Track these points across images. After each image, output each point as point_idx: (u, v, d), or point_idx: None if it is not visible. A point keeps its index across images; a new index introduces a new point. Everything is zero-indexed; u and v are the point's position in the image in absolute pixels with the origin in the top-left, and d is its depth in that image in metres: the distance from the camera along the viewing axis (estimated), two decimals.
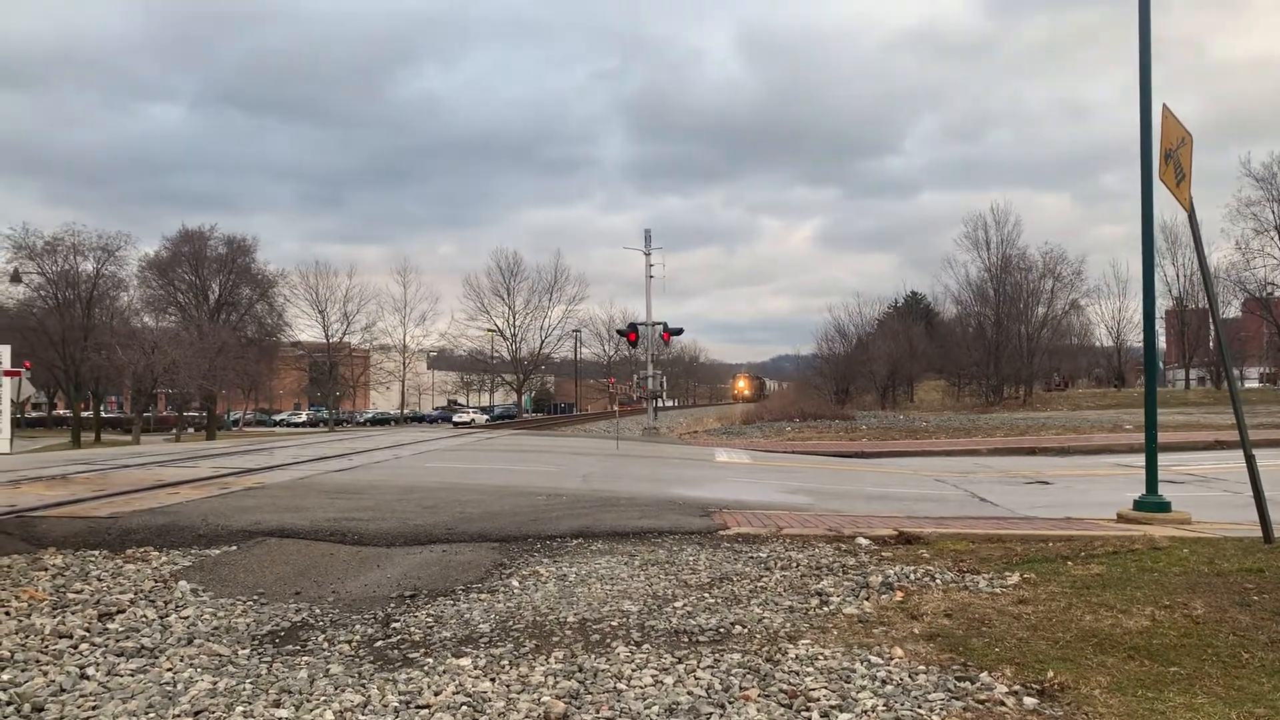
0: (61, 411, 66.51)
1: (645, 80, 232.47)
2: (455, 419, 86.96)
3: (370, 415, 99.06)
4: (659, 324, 34.80)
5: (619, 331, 48.06)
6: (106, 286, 57.59)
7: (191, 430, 63.48)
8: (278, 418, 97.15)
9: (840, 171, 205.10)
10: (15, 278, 57.00)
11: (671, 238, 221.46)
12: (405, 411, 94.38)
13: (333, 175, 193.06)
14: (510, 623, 5.92)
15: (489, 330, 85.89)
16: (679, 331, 35.80)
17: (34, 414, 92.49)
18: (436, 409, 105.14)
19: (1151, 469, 10.75)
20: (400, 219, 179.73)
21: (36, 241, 55.10)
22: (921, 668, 4.92)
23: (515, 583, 7.02)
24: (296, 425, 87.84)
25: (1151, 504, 10.51)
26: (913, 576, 6.97)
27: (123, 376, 48.65)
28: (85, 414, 64.55)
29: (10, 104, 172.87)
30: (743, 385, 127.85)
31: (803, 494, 13.87)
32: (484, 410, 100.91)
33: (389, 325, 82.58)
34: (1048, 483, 16.88)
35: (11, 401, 40.87)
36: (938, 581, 6.84)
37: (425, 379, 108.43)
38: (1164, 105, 8.55)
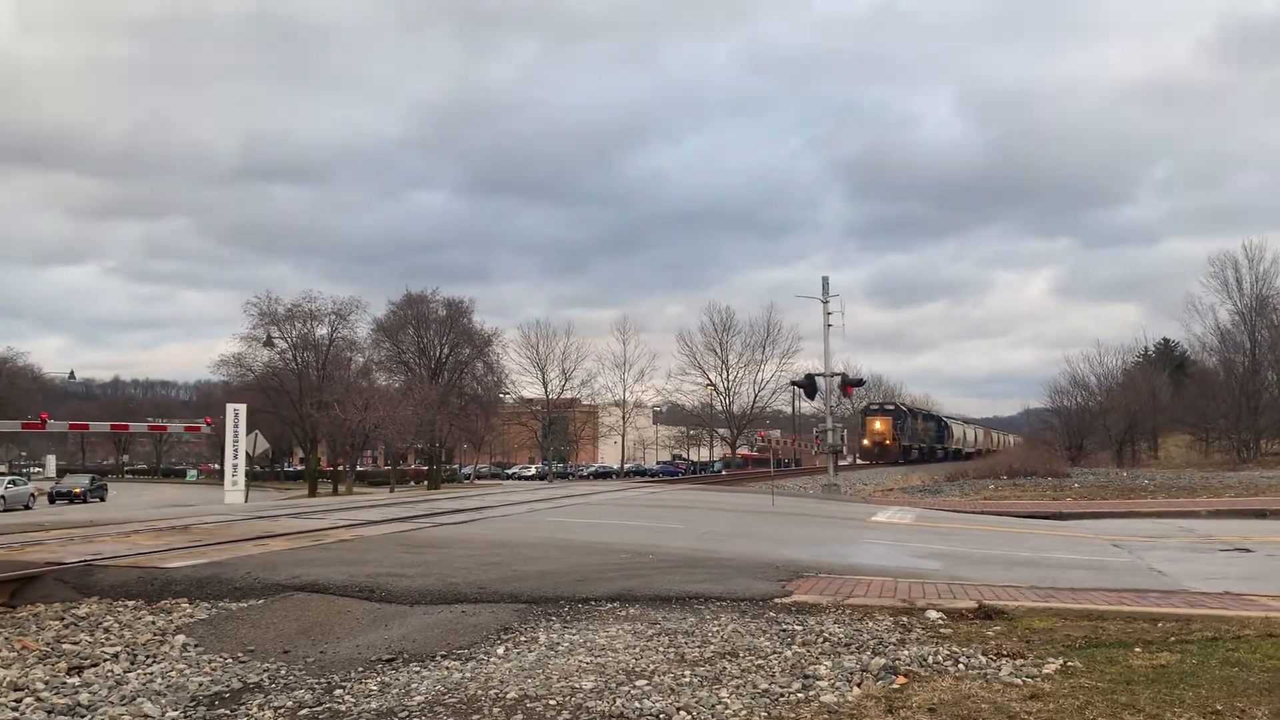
0: (325, 466, 72.06)
1: (864, 143, 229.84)
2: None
3: (593, 469, 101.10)
4: (838, 375, 33.42)
5: (794, 383, 46.41)
6: (341, 348, 61.82)
7: (426, 483, 66.65)
8: (509, 471, 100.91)
9: (1072, 223, 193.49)
10: (268, 343, 62.36)
11: (897, 293, 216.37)
12: (627, 465, 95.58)
13: (571, 246, 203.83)
14: (447, 696, 5.51)
15: (706, 385, 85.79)
16: (860, 383, 34.37)
17: (300, 466, 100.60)
18: (660, 462, 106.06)
19: None
20: (631, 283, 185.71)
21: (278, 309, 59.92)
22: None
23: (500, 650, 6.60)
24: (526, 478, 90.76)
25: None
26: (932, 659, 6.02)
27: (340, 432, 51.74)
28: (335, 467, 69.24)
29: (301, 196, 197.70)
30: (879, 427, 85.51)
31: (935, 559, 12.66)
32: (703, 465, 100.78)
33: (609, 382, 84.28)
34: (1248, 550, 14.67)
35: (247, 455, 44.54)
36: (960, 666, 5.87)
37: (649, 433, 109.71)
38: None
